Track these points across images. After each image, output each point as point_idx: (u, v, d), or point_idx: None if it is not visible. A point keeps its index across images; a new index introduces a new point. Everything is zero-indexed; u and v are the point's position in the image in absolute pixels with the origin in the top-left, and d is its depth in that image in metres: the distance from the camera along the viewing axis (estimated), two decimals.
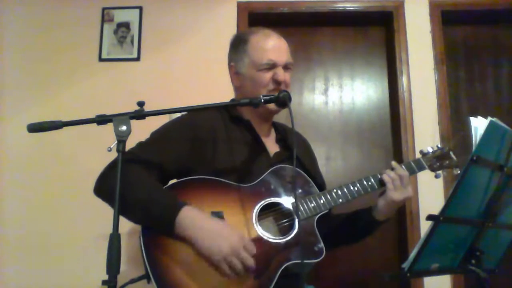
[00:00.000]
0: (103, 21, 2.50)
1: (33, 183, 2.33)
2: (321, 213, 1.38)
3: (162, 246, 1.24)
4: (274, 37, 1.50)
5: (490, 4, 2.52)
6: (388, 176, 1.40)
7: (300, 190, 1.40)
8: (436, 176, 1.48)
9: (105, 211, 1.28)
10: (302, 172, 1.45)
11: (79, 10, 2.51)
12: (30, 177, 2.34)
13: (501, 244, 1.32)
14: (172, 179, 1.40)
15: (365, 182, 1.43)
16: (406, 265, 1.13)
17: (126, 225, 1.26)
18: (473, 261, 1.20)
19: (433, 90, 2.44)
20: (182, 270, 1.22)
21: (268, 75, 1.45)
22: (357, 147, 2.55)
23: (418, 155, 1.53)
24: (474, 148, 1.13)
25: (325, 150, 2.53)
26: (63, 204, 2.29)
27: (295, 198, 1.34)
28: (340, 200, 1.40)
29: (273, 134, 1.60)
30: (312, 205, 1.37)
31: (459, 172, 1.47)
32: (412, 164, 1.47)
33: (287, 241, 1.31)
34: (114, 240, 1.04)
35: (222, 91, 1.75)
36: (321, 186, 1.55)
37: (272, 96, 1.33)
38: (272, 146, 1.53)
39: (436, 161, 1.48)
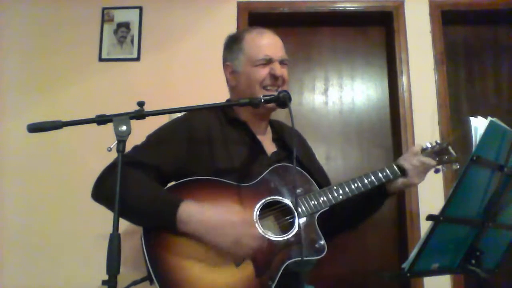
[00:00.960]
0: (103, 21, 2.50)
1: (33, 183, 2.33)
2: (322, 211, 1.38)
3: (164, 246, 1.24)
4: (268, 34, 1.51)
5: (490, 4, 2.52)
6: (410, 164, 1.43)
7: (300, 189, 1.40)
8: (436, 171, 1.48)
9: (105, 211, 1.28)
10: (302, 171, 1.45)
11: (79, 10, 2.51)
12: (30, 177, 2.34)
13: (501, 244, 1.32)
14: (170, 181, 1.40)
15: (365, 179, 1.43)
16: (406, 265, 1.13)
17: (126, 225, 1.26)
18: (473, 261, 1.20)
19: (433, 90, 2.44)
20: (187, 268, 1.22)
21: (264, 71, 1.45)
22: (357, 147, 2.55)
23: None
24: (474, 148, 1.13)
25: (325, 150, 2.53)
26: (63, 204, 2.29)
27: (295, 197, 1.34)
28: (341, 197, 1.40)
29: (269, 133, 1.59)
30: (313, 202, 1.37)
31: (458, 167, 1.48)
32: None
33: (288, 239, 1.31)
34: (114, 240, 1.04)
35: (222, 91, 1.75)
36: (322, 180, 1.56)
37: (272, 96, 1.33)
38: (269, 146, 1.53)
39: (435, 156, 1.48)
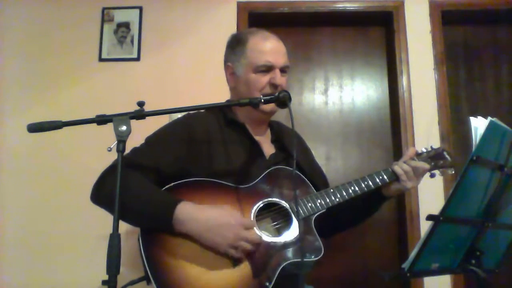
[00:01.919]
0: (103, 21, 2.50)
1: (33, 183, 2.33)
2: (318, 213, 1.38)
3: (162, 246, 1.24)
4: (272, 40, 1.49)
5: (490, 4, 2.52)
6: (401, 169, 1.42)
7: (297, 191, 1.40)
8: (431, 176, 1.48)
9: (105, 211, 1.29)
10: (298, 173, 1.45)
11: (79, 10, 2.51)
12: (30, 177, 2.34)
13: (501, 244, 1.32)
14: (169, 182, 1.39)
15: (361, 183, 1.43)
16: (406, 265, 1.13)
17: (126, 225, 1.26)
18: (473, 261, 1.20)
19: (433, 90, 2.44)
20: (184, 268, 1.22)
21: (264, 79, 1.45)
22: (357, 147, 2.55)
23: None
24: (474, 148, 1.13)
25: (325, 150, 2.53)
26: (63, 204, 2.29)
27: (295, 199, 1.34)
28: (337, 200, 1.40)
29: (269, 135, 1.59)
30: (310, 205, 1.37)
31: (453, 172, 1.49)
32: None
33: (285, 240, 1.31)
34: (114, 240, 1.04)
35: (222, 91, 1.75)
36: (320, 181, 1.56)
37: (272, 96, 1.33)
38: (267, 148, 1.53)
39: (431, 161, 1.49)
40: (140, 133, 1.30)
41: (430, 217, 1.11)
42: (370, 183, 1.43)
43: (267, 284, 1.24)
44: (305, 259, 1.28)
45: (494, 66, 2.63)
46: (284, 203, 1.38)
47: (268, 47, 1.47)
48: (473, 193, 1.18)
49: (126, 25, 2.49)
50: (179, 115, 1.49)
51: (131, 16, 2.50)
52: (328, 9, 2.55)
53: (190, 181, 1.35)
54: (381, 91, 2.62)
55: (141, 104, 1.19)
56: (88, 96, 2.42)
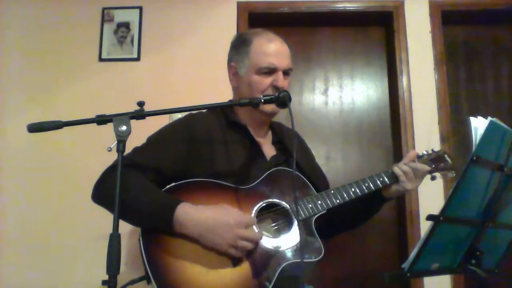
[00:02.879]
0: (103, 21, 2.50)
1: (33, 183, 2.33)
2: (319, 214, 1.38)
3: (163, 246, 1.25)
4: (277, 42, 1.49)
5: (490, 4, 2.52)
6: (400, 170, 1.43)
7: (297, 192, 1.41)
8: (432, 179, 1.49)
9: (105, 211, 1.29)
10: (299, 174, 1.46)
11: (79, 10, 2.51)
12: (30, 177, 2.34)
13: (501, 244, 1.32)
14: (169, 183, 1.39)
15: (362, 184, 1.43)
16: (406, 265, 1.13)
17: (126, 225, 1.26)
18: (473, 261, 1.20)
19: (433, 90, 2.44)
20: (184, 268, 1.22)
21: (267, 80, 1.45)
22: (357, 147, 2.55)
23: None
24: (474, 148, 1.13)
25: (325, 150, 2.53)
26: (63, 204, 2.29)
27: (295, 200, 1.34)
28: (338, 201, 1.40)
29: (270, 137, 1.60)
30: (310, 206, 1.38)
31: (454, 175, 1.49)
32: None
33: (285, 241, 1.31)
34: (114, 240, 1.04)
35: (222, 91, 1.75)
36: (320, 182, 1.56)
37: (272, 96, 1.33)
38: (268, 149, 1.53)
39: (432, 163, 1.49)
40: (140, 133, 1.30)
41: (430, 217, 1.11)
42: (371, 184, 1.43)
43: (267, 284, 1.24)
44: (305, 260, 1.28)
45: (494, 66, 2.63)
46: (285, 204, 1.38)
47: (272, 49, 1.47)
48: (473, 193, 1.18)
49: (126, 25, 2.49)
50: (179, 115, 1.49)
51: (131, 16, 2.50)
52: (328, 9, 2.55)
53: (190, 181, 1.35)
54: (381, 91, 2.62)
55: (141, 104, 1.19)
56: (88, 96, 2.42)
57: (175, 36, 2.49)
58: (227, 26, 2.47)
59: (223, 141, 1.44)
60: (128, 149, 1.21)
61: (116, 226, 1.05)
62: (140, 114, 1.19)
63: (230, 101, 1.55)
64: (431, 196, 2.26)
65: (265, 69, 1.44)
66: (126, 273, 2.01)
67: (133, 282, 1.34)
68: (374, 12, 2.57)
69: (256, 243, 1.26)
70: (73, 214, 2.26)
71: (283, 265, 1.27)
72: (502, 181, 1.18)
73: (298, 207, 1.36)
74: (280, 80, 1.44)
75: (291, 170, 1.28)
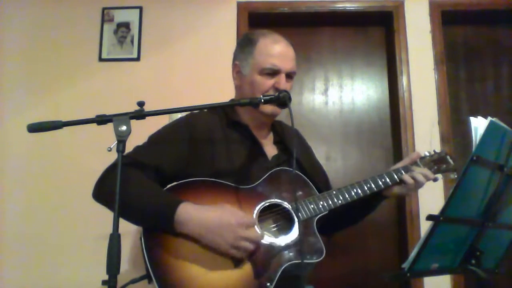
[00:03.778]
0: (103, 21, 2.50)
1: (33, 183, 2.33)
2: (321, 215, 1.38)
3: (164, 246, 1.24)
4: (282, 44, 1.49)
5: (490, 4, 2.52)
6: (411, 178, 1.43)
7: (299, 192, 1.41)
8: (434, 180, 1.49)
9: (105, 211, 1.28)
10: (301, 174, 1.46)
11: (79, 10, 2.51)
12: (30, 177, 2.34)
13: (501, 244, 1.32)
14: (170, 182, 1.39)
15: (364, 185, 1.43)
16: (406, 265, 1.13)
17: (126, 225, 1.26)
18: (473, 261, 1.20)
19: (433, 90, 2.44)
20: (185, 268, 1.22)
21: (269, 82, 1.44)
22: (357, 147, 2.55)
23: None
24: (474, 148, 1.13)
25: (325, 150, 2.53)
26: (63, 204, 2.29)
27: (295, 200, 1.34)
28: (340, 202, 1.40)
29: (271, 136, 1.59)
30: (312, 206, 1.37)
31: (456, 176, 1.49)
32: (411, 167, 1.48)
33: (286, 241, 1.31)
34: (114, 240, 1.04)
35: (222, 91, 1.75)
36: (322, 181, 1.56)
37: (272, 96, 1.33)
38: (270, 149, 1.53)
39: (434, 164, 1.49)
40: (140, 133, 1.30)
41: (430, 217, 1.11)
42: (373, 185, 1.43)
43: (268, 284, 1.24)
44: (306, 261, 1.28)
45: (494, 66, 2.63)
46: (286, 204, 1.38)
47: (277, 51, 1.46)
48: (473, 193, 1.18)
49: (126, 25, 2.49)
50: (179, 115, 1.49)
51: (131, 16, 2.50)
52: (328, 9, 2.55)
53: (191, 181, 1.35)
54: (381, 91, 2.62)
55: (141, 104, 1.19)
56: (88, 96, 2.41)
57: (175, 36, 2.49)
58: (227, 26, 2.47)
59: (224, 140, 1.44)
60: (128, 149, 1.21)
61: (116, 226, 1.05)
62: (140, 114, 1.18)
63: (231, 100, 1.55)
64: (431, 196, 2.26)
65: (268, 70, 1.44)
66: (127, 272, 2.01)
67: (134, 281, 1.34)
68: (374, 12, 2.57)
69: (257, 244, 1.26)
70: (73, 214, 2.26)
71: (285, 265, 1.27)
72: (502, 181, 1.18)
73: (300, 207, 1.36)
74: (282, 82, 1.44)
75: (291, 169, 1.27)
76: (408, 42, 2.48)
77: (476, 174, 1.14)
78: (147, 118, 1.20)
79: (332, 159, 2.52)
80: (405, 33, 2.49)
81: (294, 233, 1.33)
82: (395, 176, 1.45)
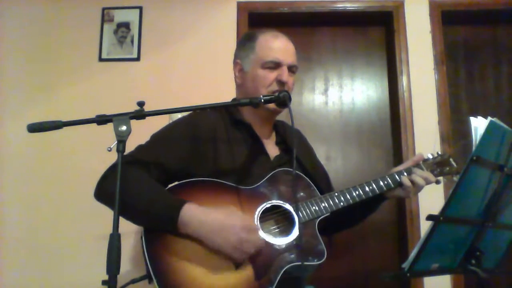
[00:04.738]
0: (103, 21, 2.50)
1: (33, 183, 2.33)
2: (322, 217, 1.38)
3: (165, 246, 1.24)
4: (283, 39, 1.50)
5: (490, 4, 2.52)
6: (409, 181, 1.42)
7: (301, 194, 1.41)
8: (437, 183, 1.49)
9: (106, 211, 1.28)
10: (304, 176, 1.45)
11: (79, 10, 2.51)
12: (30, 177, 2.34)
13: (501, 244, 1.32)
14: (173, 181, 1.40)
15: (366, 187, 1.43)
16: (406, 265, 1.13)
17: (126, 225, 1.26)
18: (473, 261, 1.20)
19: (433, 90, 2.44)
20: (186, 269, 1.22)
21: (272, 75, 1.44)
22: (357, 147, 2.55)
23: None
24: (474, 148, 1.13)
25: (325, 150, 2.53)
26: (63, 204, 2.29)
27: (296, 202, 1.34)
28: (342, 204, 1.40)
29: (274, 137, 1.59)
30: (314, 208, 1.37)
31: (459, 179, 1.49)
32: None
33: (288, 243, 1.31)
34: (114, 240, 1.04)
35: (222, 91, 1.75)
36: (323, 182, 1.56)
37: (272, 96, 1.33)
38: (272, 149, 1.53)
39: (437, 167, 1.49)
40: (140, 133, 1.30)
41: (430, 217, 1.11)
42: (375, 187, 1.43)
43: (269, 286, 1.24)
44: (307, 263, 1.28)
45: (494, 66, 2.63)
46: (288, 206, 1.37)
47: (278, 45, 1.47)
48: (473, 193, 1.18)
49: (126, 25, 2.49)
50: (179, 115, 1.49)
51: (131, 16, 2.50)
52: (328, 9, 2.55)
53: (192, 181, 1.35)
54: (381, 91, 2.62)
55: (141, 104, 1.19)
56: (88, 96, 2.41)
57: (175, 36, 2.49)
58: (227, 26, 2.47)
59: (227, 139, 1.44)
60: (128, 149, 1.21)
61: (116, 226, 1.05)
62: (140, 114, 1.19)
63: (233, 99, 1.55)
64: (431, 196, 2.24)
65: (270, 63, 1.44)
66: (127, 272, 2.01)
67: (134, 281, 1.34)
68: (374, 12, 2.57)
69: (259, 247, 1.25)
70: (73, 214, 2.26)
71: (286, 267, 1.27)
72: (502, 181, 1.18)
73: (302, 209, 1.35)
74: (285, 75, 1.44)
75: (292, 170, 1.27)
76: (408, 42, 2.48)
77: (476, 174, 1.14)
78: (147, 118, 1.20)
79: (332, 159, 2.52)
80: (405, 33, 2.49)
81: (295, 235, 1.32)
82: (397, 178, 1.45)
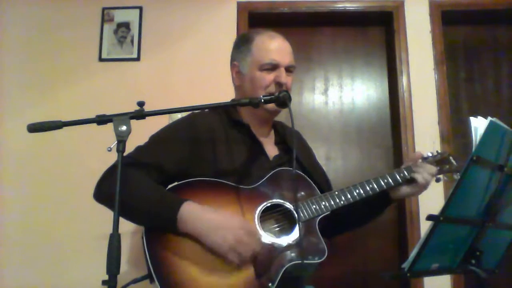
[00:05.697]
0: (103, 21, 2.50)
1: (33, 183, 2.33)
2: (323, 215, 1.38)
3: (165, 245, 1.24)
4: (279, 39, 1.50)
5: (490, 4, 2.52)
6: (422, 177, 1.42)
7: (302, 193, 1.41)
8: (437, 180, 1.49)
9: (106, 211, 1.28)
10: (303, 175, 1.45)
11: (79, 10, 2.51)
12: (30, 177, 2.34)
13: (501, 244, 1.32)
14: (172, 181, 1.40)
15: (366, 186, 1.43)
16: (406, 265, 1.13)
17: (126, 225, 1.26)
18: (473, 261, 1.20)
19: (433, 90, 2.44)
20: (187, 268, 1.22)
21: (270, 77, 1.45)
22: (357, 147, 2.55)
23: None
24: (474, 148, 1.13)
25: (325, 150, 2.53)
26: (63, 204, 2.29)
27: (296, 201, 1.34)
28: (342, 203, 1.40)
29: (272, 136, 1.60)
30: (314, 207, 1.37)
31: (459, 177, 1.49)
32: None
33: (288, 242, 1.31)
34: (114, 240, 1.04)
35: (222, 91, 1.75)
36: (323, 182, 1.56)
37: (272, 96, 1.33)
38: (271, 149, 1.53)
39: (437, 165, 1.49)
40: (140, 133, 1.30)
41: (430, 217, 1.11)
42: (375, 186, 1.43)
43: (270, 285, 1.24)
44: (308, 261, 1.28)
45: (494, 66, 2.63)
46: (288, 205, 1.37)
47: (274, 46, 1.47)
48: (473, 193, 1.18)
49: (126, 25, 2.49)
50: (179, 115, 1.49)
51: (131, 16, 2.49)
52: (328, 9, 2.55)
53: (192, 181, 1.35)
54: (381, 91, 2.62)
55: (141, 104, 1.19)
56: (88, 96, 2.41)
57: (175, 36, 2.49)
58: (227, 26, 2.47)
59: (226, 140, 1.44)
60: (128, 149, 1.21)
61: (116, 226, 1.05)
62: (140, 114, 1.19)
63: (232, 100, 1.55)
64: (431, 196, 2.23)
65: (267, 65, 1.44)
66: (127, 272, 2.01)
67: (135, 281, 1.34)
68: (374, 12, 2.57)
69: (259, 246, 1.25)
70: (73, 214, 2.26)
71: (286, 266, 1.27)
72: (502, 181, 1.18)
73: (302, 207, 1.35)
74: (283, 76, 1.44)
75: (292, 169, 1.27)
76: (408, 42, 2.48)
77: (476, 174, 1.14)
78: (147, 118, 1.20)
79: (332, 159, 2.52)
80: (405, 33, 2.49)
81: (295, 234, 1.32)
82: (398, 177, 1.45)
